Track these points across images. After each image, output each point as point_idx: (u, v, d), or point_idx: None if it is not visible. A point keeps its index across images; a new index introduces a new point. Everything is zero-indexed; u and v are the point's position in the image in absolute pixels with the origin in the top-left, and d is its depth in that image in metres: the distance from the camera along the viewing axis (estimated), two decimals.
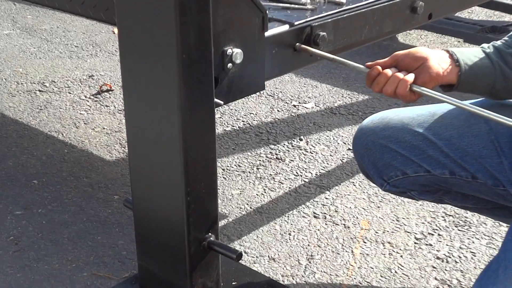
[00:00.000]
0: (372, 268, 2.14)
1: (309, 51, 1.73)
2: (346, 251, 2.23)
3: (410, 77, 1.59)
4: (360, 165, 1.87)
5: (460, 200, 1.88)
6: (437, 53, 1.64)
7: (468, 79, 1.64)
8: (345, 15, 1.82)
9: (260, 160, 2.83)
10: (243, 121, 3.21)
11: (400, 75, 1.60)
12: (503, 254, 1.43)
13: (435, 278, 2.09)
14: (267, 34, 1.64)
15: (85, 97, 3.49)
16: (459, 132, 1.71)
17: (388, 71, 1.61)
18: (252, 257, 2.21)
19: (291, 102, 3.42)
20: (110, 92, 3.54)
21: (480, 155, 1.68)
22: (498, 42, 1.69)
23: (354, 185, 2.63)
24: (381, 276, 2.11)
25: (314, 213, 2.44)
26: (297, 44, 1.72)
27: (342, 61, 1.69)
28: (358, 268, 2.15)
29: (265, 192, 2.60)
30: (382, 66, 1.64)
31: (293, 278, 2.10)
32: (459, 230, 2.33)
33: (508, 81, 1.65)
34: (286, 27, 1.71)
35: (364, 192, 2.57)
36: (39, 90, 3.57)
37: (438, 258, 2.18)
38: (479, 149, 1.68)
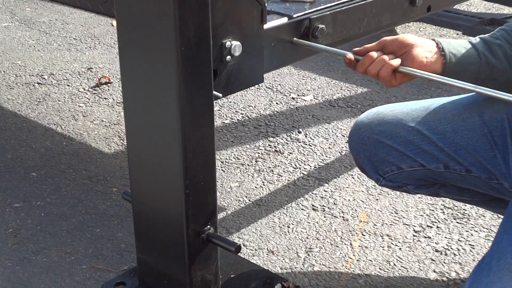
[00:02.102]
0: (370, 260, 2.15)
1: (305, 44, 1.74)
2: (344, 243, 2.23)
3: (396, 62, 1.61)
4: (356, 160, 1.88)
5: (456, 193, 1.89)
6: (424, 41, 1.65)
7: (453, 68, 1.65)
8: (344, 8, 1.82)
9: (258, 153, 2.83)
10: (242, 114, 3.21)
11: (386, 58, 1.61)
12: (496, 246, 1.43)
13: (434, 271, 2.09)
14: (265, 26, 1.64)
15: (84, 89, 3.48)
16: (453, 126, 1.71)
17: (374, 54, 1.63)
18: (251, 249, 2.21)
19: (289, 95, 3.41)
20: (109, 84, 3.54)
21: (474, 148, 1.69)
22: (486, 35, 1.70)
23: (353, 177, 2.63)
24: (380, 268, 2.11)
25: (313, 205, 2.45)
26: (294, 38, 1.72)
27: (327, 49, 1.71)
28: (357, 260, 2.15)
29: (263, 184, 2.60)
30: (369, 50, 1.66)
31: (292, 271, 2.10)
32: (457, 222, 2.33)
33: (494, 71, 1.66)
34: (284, 20, 1.71)
35: (362, 185, 2.57)
36: (38, 83, 3.56)
37: (436, 250, 2.19)
38: (472, 143, 1.69)
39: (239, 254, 1.96)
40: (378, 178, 1.83)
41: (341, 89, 3.48)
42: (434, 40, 1.67)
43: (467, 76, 1.65)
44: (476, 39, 1.69)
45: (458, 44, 1.67)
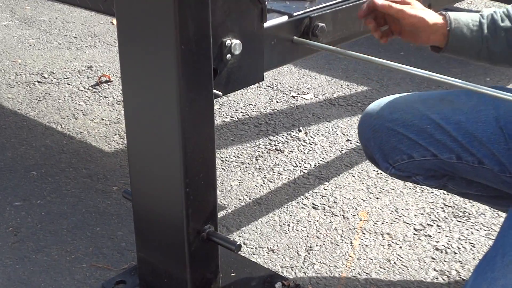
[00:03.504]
0: (371, 259, 2.15)
1: (306, 43, 1.74)
2: (345, 242, 2.23)
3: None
4: (365, 148, 1.86)
5: (464, 187, 1.87)
6: (434, 14, 1.71)
7: (454, 48, 1.70)
8: (344, 6, 1.82)
9: (259, 151, 2.83)
10: (242, 112, 3.21)
11: None
12: (501, 242, 1.43)
13: (434, 269, 2.09)
14: (266, 25, 1.64)
15: (84, 88, 3.48)
16: (468, 117, 1.71)
17: None
18: (251, 248, 2.21)
19: (290, 93, 3.41)
20: (109, 83, 3.54)
21: (488, 140, 1.68)
22: (500, 10, 1.70)
23: (353, 176, 2.63)
24: (380, 267, 2.11)
25: (313, 204, 2.44)
26: (294, 37, 1.73)
27: (327, 48, 1.74)
28: (357, 259, 2.15)
29: (264, 183, 2.60)
30: None
31: (292, 269, 2.10)
32: (458, 221, 2.33)
33: (492, 56, 1.69)
34: (285, 18, 1.71)
35: (363, 183, 2.57)
36: (38, 81, 3.56)
37: (437, 249, 2.19)
38: (487, 135, 1.68)
39: (239, 252, 1.96)
40: (388, 167, 1.81)
41: (341, 88, 3.47)
42: (441, 13, 1.71)
43: (466, 55, 1.72)
44: (487, 17, 1.70)
45: (467, 23, 1.69)
